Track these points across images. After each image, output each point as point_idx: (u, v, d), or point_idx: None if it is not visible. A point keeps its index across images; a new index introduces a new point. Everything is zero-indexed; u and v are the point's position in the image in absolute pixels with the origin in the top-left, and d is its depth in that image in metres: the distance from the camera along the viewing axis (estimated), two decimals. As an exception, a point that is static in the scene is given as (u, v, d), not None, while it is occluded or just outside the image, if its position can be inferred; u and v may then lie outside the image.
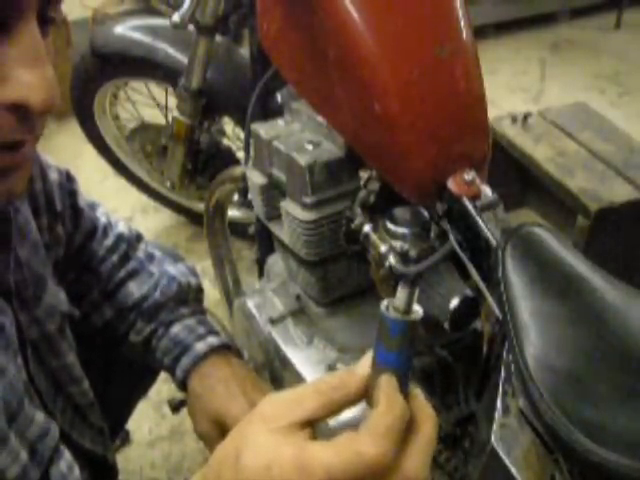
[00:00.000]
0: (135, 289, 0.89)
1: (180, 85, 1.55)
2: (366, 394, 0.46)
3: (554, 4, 3.54)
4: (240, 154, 1.73)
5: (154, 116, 1.90)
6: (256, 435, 0.44)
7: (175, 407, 0.97)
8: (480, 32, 3.21)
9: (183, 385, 0.87)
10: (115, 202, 2.23)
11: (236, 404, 0.82)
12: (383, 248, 0.74)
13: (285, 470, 0.42)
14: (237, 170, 1.26)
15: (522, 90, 3.00)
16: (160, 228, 2.19)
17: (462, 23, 0.68)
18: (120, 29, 1.69)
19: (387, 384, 0.45)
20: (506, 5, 3.40)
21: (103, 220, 0.91)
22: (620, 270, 0.65)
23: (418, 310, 0.46)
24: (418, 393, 0.47)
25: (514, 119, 1.86)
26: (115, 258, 0.90)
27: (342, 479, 0.41)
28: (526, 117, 1.86)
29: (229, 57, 1.61)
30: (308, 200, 0.79)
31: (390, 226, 0.76)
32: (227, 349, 0.89)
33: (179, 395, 0.94)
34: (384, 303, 0.46)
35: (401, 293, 0.45)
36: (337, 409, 0.46)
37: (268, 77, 0.96)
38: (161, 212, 2.20)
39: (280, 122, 0.89)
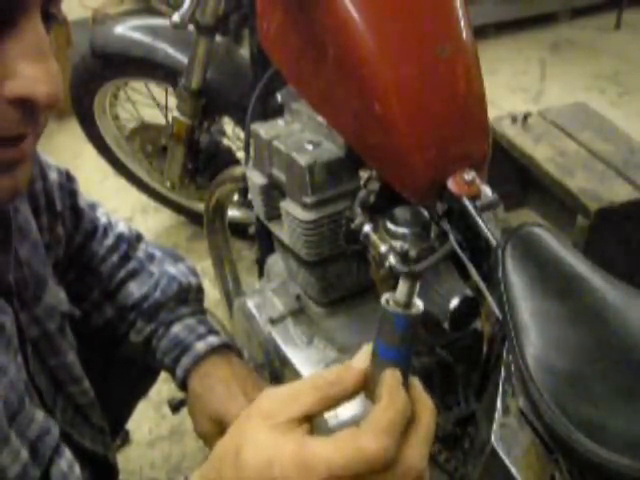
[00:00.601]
0: (135, 289, 0.89)
1: (180, 85, 1.55)
2: (364, 388, 0.46)
3: (554, 4, 3.54)
4: (240, 154, 1.73)
5: (154, 116, 1.90)
6: (255, 431, 0.44)
7: (175, 407, 0.97)
8: (480, 32, 3.21)
9: (183, 385, 0.87)
10: (115, 202, 2.23)
11: (236, 404, 0.82)
12: (383, 248, 0.74)
13: (286, 467, 0.42)
14: (237, 170, 1.26)
15: (522, 90, 3.00)
16: (160, 228, 2.19)
17: (462, 23, 0.68)
18: (120, 29, 1.69)
19: (391, 378, 0.45)
20: (506, 5, 3.40)
21: (103, 220, 0.91)
22: (620, 270, 0.65)
23: (419, 304, 0.45)
24: (416, 384, 0.47)
25: (514, 119, 1.85)
26: (115, 258, 0.90)
27: (343, 475, 0.41)
28: (526, 117, 1.86)
29: (229, 57, 1.61)
30: (308, 200, 0.79)
31: (390, 226, 0.76)
32: (227, 349, 0.89)
33: (179, 395, 0.94)
34: (385, 297, 0.46)
35: (402, 287, 0.45)
36: (334, 404, 0.46)
37: (268, 77, 0.96)
38: (161, 212, 2.20)
39: (280, 122, 0.89)
